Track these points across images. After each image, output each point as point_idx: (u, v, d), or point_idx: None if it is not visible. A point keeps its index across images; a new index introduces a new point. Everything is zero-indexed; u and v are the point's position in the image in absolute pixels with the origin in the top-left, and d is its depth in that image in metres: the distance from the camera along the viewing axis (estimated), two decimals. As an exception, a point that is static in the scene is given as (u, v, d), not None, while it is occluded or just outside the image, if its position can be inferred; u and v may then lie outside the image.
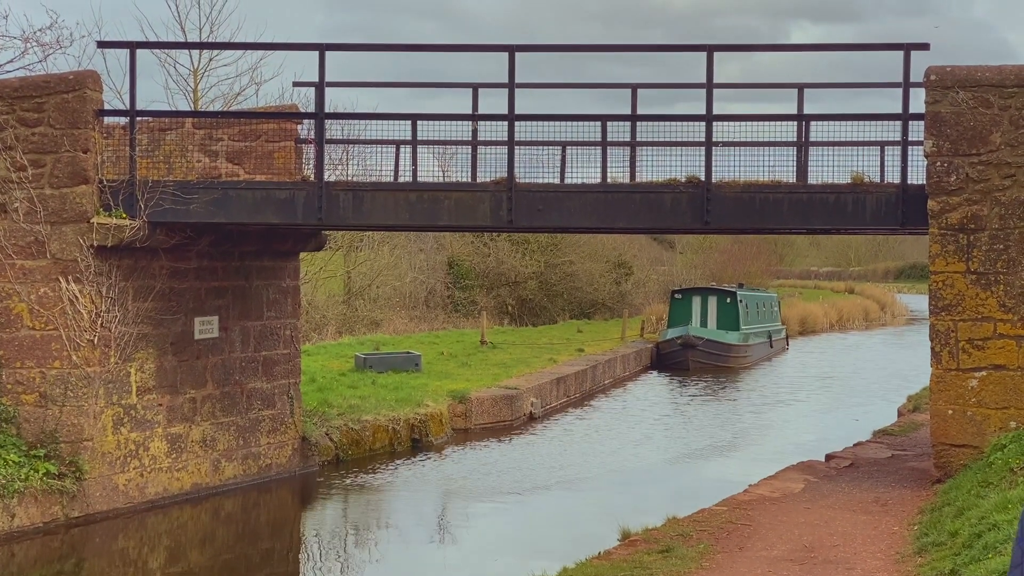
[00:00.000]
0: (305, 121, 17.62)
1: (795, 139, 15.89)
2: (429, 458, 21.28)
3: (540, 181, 15.91)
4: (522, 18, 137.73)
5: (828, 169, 15.61)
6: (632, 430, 25.50)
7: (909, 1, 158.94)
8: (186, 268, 17.03)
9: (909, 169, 14.85)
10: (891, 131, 15.34)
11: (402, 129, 16.85)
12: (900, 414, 23.80)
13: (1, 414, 15.14)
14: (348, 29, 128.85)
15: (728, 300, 41.92)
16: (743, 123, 15.91)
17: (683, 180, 15.43)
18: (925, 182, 14.37)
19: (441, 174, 18.80)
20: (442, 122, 16.66)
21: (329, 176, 16.05)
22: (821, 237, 78.50)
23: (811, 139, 15.82)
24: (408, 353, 28.25)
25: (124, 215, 15.44)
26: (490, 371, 28.71)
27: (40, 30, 19.96)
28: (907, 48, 14.79)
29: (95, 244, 15.27)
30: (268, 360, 18.76)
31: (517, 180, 15.54)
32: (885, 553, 11.11)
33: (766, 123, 15.84)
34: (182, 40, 28.80)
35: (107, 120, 16.07)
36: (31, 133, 15.34)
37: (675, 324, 41.03)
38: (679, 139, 15.94)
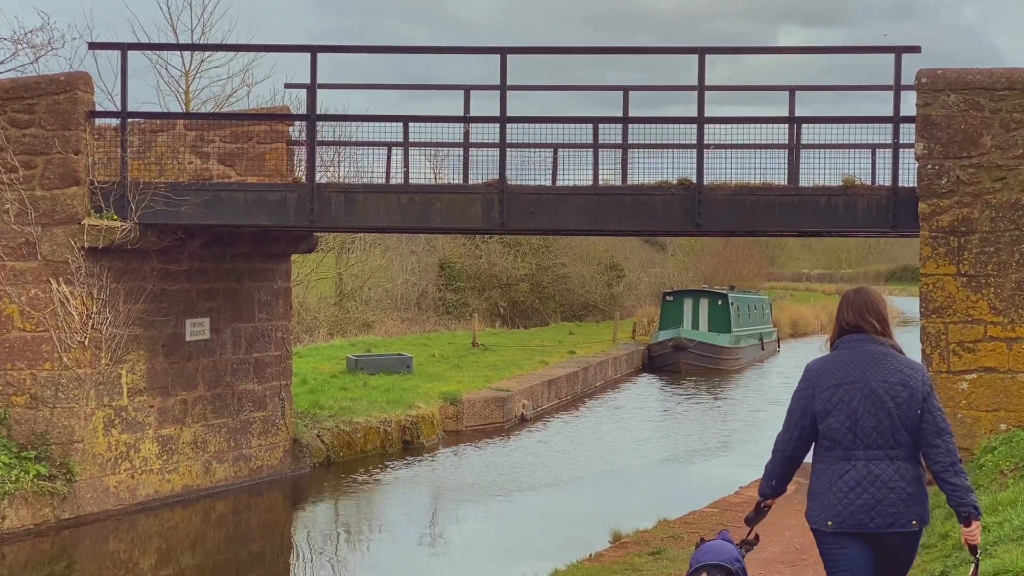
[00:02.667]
0: (297, 123, 17.61)
1: (786, 142, 15.89)
2: (420, 460, 21.29)
3: (532, 183, 15.90)
4: (511, 22, 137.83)
5: (819, 172, 15.59)
6: (623, 432, 25.52)
7: (897, 5, 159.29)
8: (177, 270, 17.01)
9: (900, 172, 14.84)
10: (882, 134, 15.34)
11: (394, 131, 16.83)
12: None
13: (-9, 416, 15.12)
14: (339, 32, 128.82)
15: (719, 302, 41.96)
16: (734, 125, 15.91)
17: (674, 182, 15.43)
18: (916, 185, 14.38)
19: (433, 176, 18.81)
20: (434, 124, 16.67)
21: (321, 178, 16.04)
22: (812, 240, 78.58)
23: (802, 142, 15.80)
24: (400, 355, 28.25)
25: (115, 217, 15.43)
26: (481, 373, 28.71)
27: (31, 32, 19.96)
28: (898, 51, 14.79)
29: (86, 246, 15.25)
30: (259, 362, 18.74)
31: (509, 182, 15.53)
32: (875, 555, 11.08)
33: (757, 125, 15.83)
34: (174, 42, 28.77)
35: (98, 122, 16.05)
36: (22, 134, 15.32)
37: (666, 326, 41.08)
38: (670, 141, 15.93)
